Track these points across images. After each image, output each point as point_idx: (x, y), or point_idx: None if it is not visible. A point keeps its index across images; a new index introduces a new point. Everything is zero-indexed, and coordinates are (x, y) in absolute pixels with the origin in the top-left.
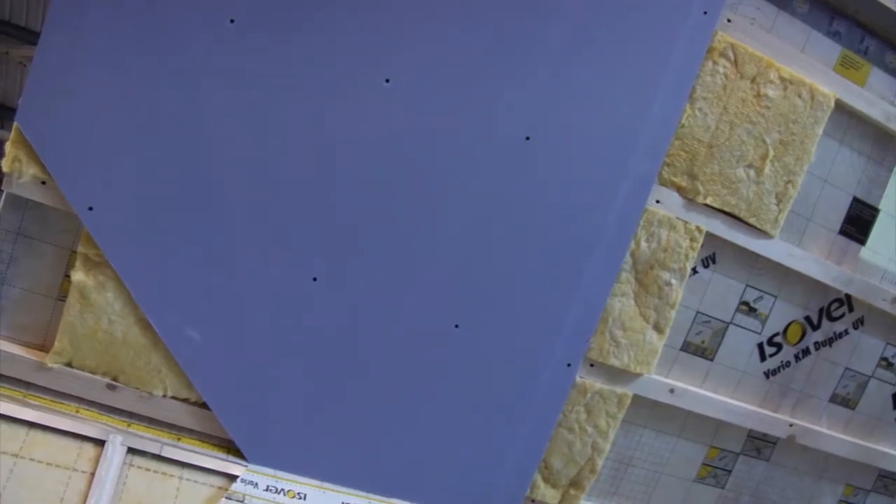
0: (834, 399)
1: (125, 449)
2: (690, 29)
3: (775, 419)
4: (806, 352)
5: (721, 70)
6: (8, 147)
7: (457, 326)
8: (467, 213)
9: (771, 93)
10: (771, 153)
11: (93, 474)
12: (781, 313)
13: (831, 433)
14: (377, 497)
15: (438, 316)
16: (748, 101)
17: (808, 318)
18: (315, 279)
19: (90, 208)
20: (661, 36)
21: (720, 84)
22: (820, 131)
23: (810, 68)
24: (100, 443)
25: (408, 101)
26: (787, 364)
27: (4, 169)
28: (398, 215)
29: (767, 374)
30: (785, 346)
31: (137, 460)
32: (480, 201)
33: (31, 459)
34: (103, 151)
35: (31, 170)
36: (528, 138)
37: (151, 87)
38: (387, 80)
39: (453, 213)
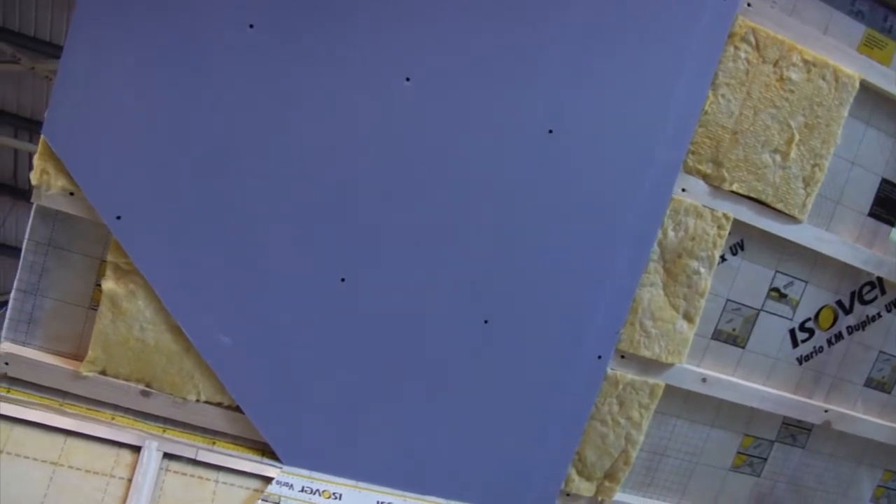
0: (869, 383)
1: (161, 454)
2: (710, 15)
3: (810, 405)
4: (839, 336)
5: (743, 55)
6: (36, 160)
7: (486, 322)
8: (492, 208)
9: (794, 76)
10: (796, 137)
11: (130, 480)
12: (812, 298)
13: (867, 418)
14: (412, 495)
15: (467, 312)
16: (771, 85)
17: (839, 303)
18: (343, 280)
19: (118, 217)
20: (680, 23)
21: (742, 69)
22: (845, 113)
23: (833, 49)
24: (136, 449)
25: (429, 99)
26: (820, 349)
27: (33, 182)
28: (424, 213)
29: (800, 360)
30: (817, 332)
31: (173, 465)
32: (505, 197)
33: (70, 467)
34: (129, 161)
35: (59, 182)
36: (550, 131)
37: (174, 96)
38: (407, 79)
39: (478, 210)
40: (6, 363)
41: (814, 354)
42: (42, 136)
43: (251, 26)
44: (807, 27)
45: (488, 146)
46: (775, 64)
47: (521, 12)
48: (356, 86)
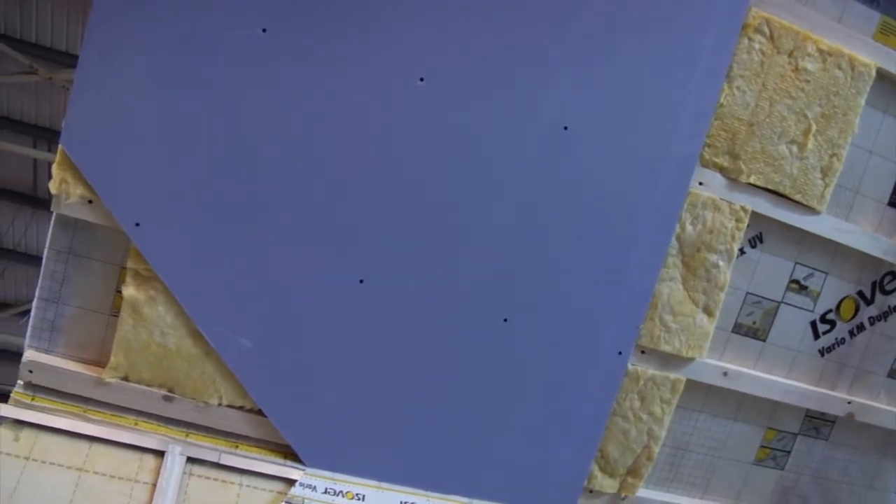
0: (892, 374)
1: (184, 458)
2: (723, 6)
3: (832, 397)
4: (860, 327)
5: (757, 46)
6: (54, 169)
7: (505, 320)
8: (509, 207)
9: (810, 66)
10: (813, 127)
11: (154, 485)
12: (833, 289)
13: (891, 409)
14: (435, 494)
15: (487, 311)
16: (787, 76)
17: (860, 293)
18: (362, 281)
19: (137, 224)
20: (694, 16)
21: (757, 60)
22: (862, 102)
23: (849, 38)
24: (159, 454)
25: (443, 98)
26: (842, 341)
27: (52, 191)
28: (440, 213)
29: (822, 352)
30: (838, 323)
31: (197, 469)
32: (522, 195)
33: (95, 473)
34: (146, 167)
35: (77, 190)
36: (566, 128)
37: (189, 102)
38: (421, 79)
39: (495, 209)
40: (30, 371)
41: (836, 346)
42: (60, 146)
43: (264, 30)
44: (821, 16)
45: (503, 144)
46: (790, 54)
47: (533, 9)
48: (370, 87)
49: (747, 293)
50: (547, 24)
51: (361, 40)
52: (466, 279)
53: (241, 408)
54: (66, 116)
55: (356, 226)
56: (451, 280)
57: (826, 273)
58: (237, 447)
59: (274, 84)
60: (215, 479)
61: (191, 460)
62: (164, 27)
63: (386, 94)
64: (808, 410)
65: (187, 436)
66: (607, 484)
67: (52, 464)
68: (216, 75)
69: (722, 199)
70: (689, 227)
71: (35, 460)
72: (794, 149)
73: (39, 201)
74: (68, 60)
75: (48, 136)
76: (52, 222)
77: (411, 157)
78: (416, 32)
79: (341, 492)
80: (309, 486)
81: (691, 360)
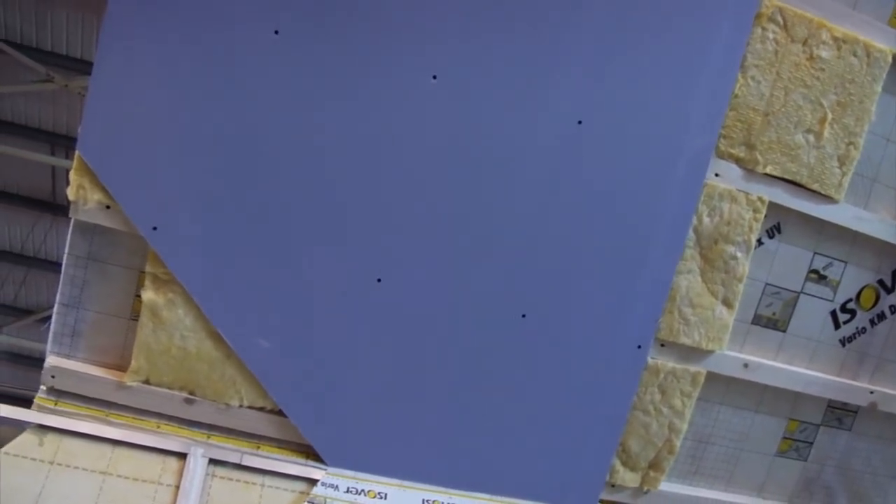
0: None
1: (207, 460)
2: None
3: (855, 387)
4: (881, 316)
5: (771, 35)
6: (72, 175)
7: (524, 317)
8: (525, 203)
9: (824, 54)
10: (829, 116)
11: (177, 487)
12: (853, 279)
13: None
14: (457, 492)
15: (505, 308)
16: (801, 64)
17: (881, 282)
18: (379, 280)
19: (154, 228)
20: (707, 7)
21: (771, 50)
22: (879, 89)
23: (863, 25)
24: (182, 456)
25: (456, 95)
26: (863, 330)
27: (70, 197)
28: (456, 210)
29: (843, 342)
30: (859, 312)
31: (219, 471)
32: (538, 190)
33: (119, 476)
34: (162, 172)
35: (95, 196)
36: (580, 123)
37: (203, 105)
38: (434, 77)
39: (511, 205)
40: (53, 376)
41: (857, 335)
42: (77, 152)
43: (276, 32)
44: (835, 3)
45: (518, 140)
46: (804, 43)
47: (546, 4)
48: (383, 87)
49: (766, 284)
50: (559, 19)
51: (373, 40)
52: (484, 276)
53: (261, 409)
54: (81, 123)
55: (372, 225)
56: (469, 277)
57: (845, 262)
58: (259, 448)
59: (287, 85)
60: (238, 481)
61: (213, 462)
62: (177, 32)
63: (399, 93)
64: (830, 401)
65: (209, 438)
66: (629, 478)
67: (76, 468)
68: (229, 78)
69: (739, 189)
70: (706, 219)
71: (59, 464)
72: (811, 138)
73: (58, 208)
74: (84, 67)
75: (65, 144)
76: (70, 228)
77: (426, 156)
78: (427, 30)
79: (363, 490)
80: (331, 486)
81: (711, 352)
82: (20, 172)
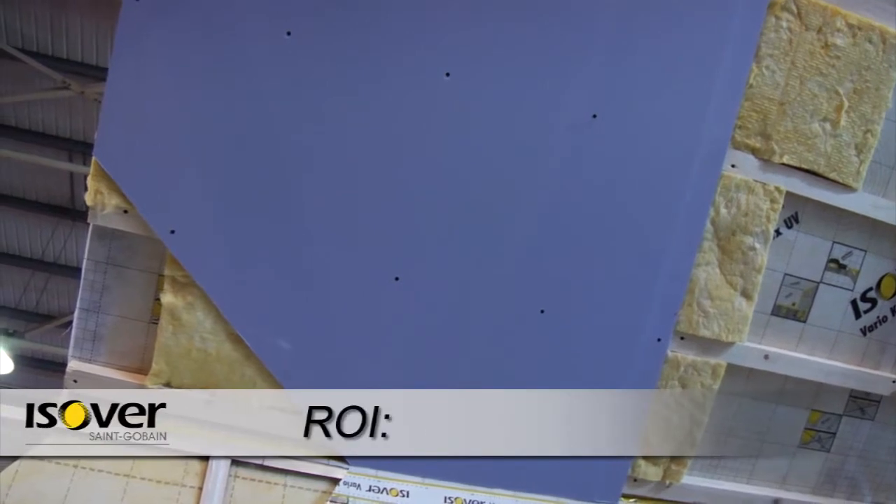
0: None
1: (229, 461)
2: None
3: (877, 377)
4: None
5: (785, 24)
6: (89, 181)
7: (542, 312)
8: (542, 198)
9: (839, 41)
10: (846, 104)
11: (200, 489)
12: (873, 267)
13: None
14: (479, 489)
15: (523, 303)
16: (816, 52)
17: None
18: (397, 278)
19: (172, 231)
20: None
21: (785, 39)
22: (895, 75)
23: (878, 10)
24: (204, 458)
25: (470, 92)
26: (884, 319)
27: (88, 202)
28: (473, 206)
29: (864, 331)
30: (880, 301)
31: (241, 471)
32: (554, 185)
33: (142, 479)
34: (178, 175)
35: (112, 201)
36: (594, 116)
37: (218, 107)
38: (447, 74)
39: (528, 200)
40: (75, 381)
41: (878, 324)
42: (94, 158)
43: (288, 33)
44: None
45: (533, 135)
46: (819, 31)
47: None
48: (397, 85)
49: (785, 274)
50: (573, 12)
51: (385, 38)
52: (501, 272)
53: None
54: (98, 129)
55: (388, 223)
56: (486, 274)
57: (865, 251)
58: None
59: (301, 85)
60: (260, 481)
61: (235, 463)
62: (189, 36)
63: (413, 91)
64: (852, 391)
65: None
66: (651, 471)
67: (100, 471)
68: (243, 81)
69: (755, 180)
70: (723, 211)
71: (83, 468)
72: (827, 126)
73: (78, 214)
74: (99, 74)
75: (83, 150)
76: (89, 234)
77: (441, 153)
78: (439, 28)
79: (385, 489)
80: (353, 485)
81: (731, 344)
82: (39, 179)
